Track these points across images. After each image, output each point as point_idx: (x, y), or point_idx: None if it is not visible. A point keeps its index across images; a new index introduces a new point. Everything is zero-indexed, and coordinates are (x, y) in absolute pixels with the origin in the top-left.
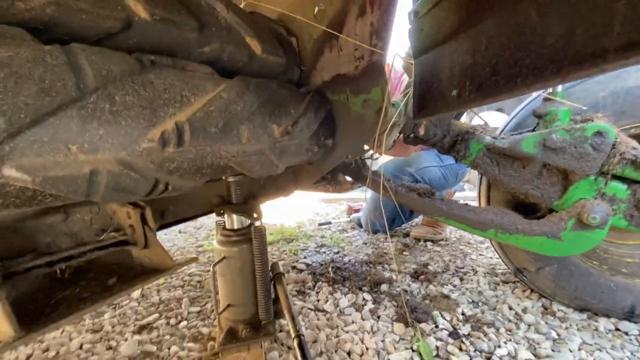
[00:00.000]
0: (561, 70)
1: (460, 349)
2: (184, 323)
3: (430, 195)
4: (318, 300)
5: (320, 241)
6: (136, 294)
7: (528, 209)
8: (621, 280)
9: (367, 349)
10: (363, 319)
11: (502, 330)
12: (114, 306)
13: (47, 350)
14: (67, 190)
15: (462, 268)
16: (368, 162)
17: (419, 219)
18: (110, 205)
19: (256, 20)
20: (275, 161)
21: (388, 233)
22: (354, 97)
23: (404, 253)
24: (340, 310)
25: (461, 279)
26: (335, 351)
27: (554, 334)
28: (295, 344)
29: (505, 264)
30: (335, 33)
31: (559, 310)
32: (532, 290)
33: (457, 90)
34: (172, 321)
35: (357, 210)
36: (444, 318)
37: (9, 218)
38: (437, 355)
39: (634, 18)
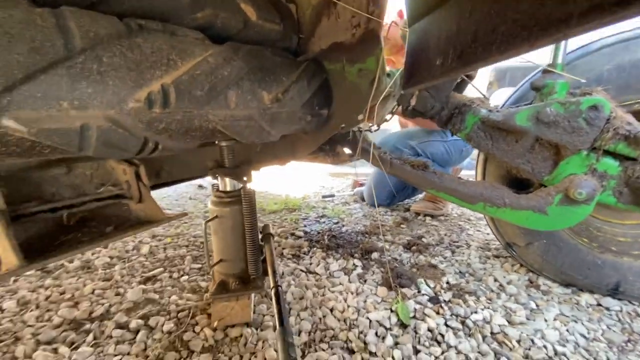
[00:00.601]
0: (530, 37)
1: (438, 313)
2: (185, 277)
3: (423, 168)
4: (310, 264)
5: (321, 212)
6: (145, 250)
7: (523, 185)
8: (609, 257)
9: (348, 306)
10: (350, 282)
11: (482, 299)
12: (124, 260)
13: (63, 293)
14: (60, 142)
15: (457, 242)
16: (368, 133)
17: (422, 195)
18: (109, 162)
19: None
20: (267, 128)
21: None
22: (349, 66)
23: (402, 226)
24: (330, 273)
25: (453, 252)
26: (319, 307)
27: (532, 305)
28: (272, 292)
29: (497, 239)
30: (334, 0)
31: (544, 284)
32: (521, 265)
33: (441, 58)
34: (175, 275)
35: (361, 185)
36: (427, 285)
37: (14, 167)
38: (414, 317)
39: None
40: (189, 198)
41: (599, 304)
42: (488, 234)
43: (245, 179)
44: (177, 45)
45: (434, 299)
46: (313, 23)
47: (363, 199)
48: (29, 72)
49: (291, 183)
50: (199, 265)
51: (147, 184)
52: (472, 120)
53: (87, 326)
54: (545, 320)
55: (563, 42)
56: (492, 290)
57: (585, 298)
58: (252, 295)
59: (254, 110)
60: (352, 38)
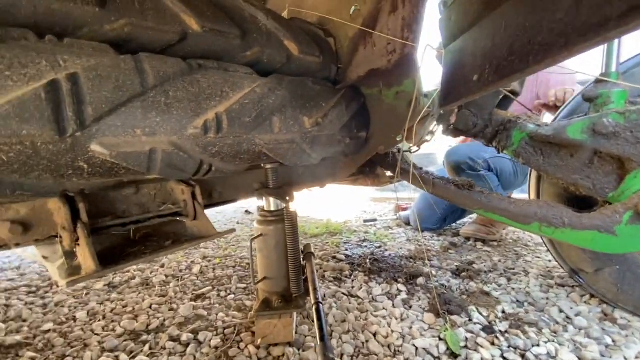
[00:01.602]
0: (568, 44)
1: (492, 344)
2: (232, 296)
3: (469, 187)
4: (352, 287)
5: (363, 236)
6: (196, 269)
7: (585, 204)
8: None
9: (392, 332)
10: (394, 307)
11: (545, 331)
12: (177, 278)
13: (126, 306)
14: (133, 164)
15: (512, 269)
16: (407, 155)
17: (473, 218)
18: (169, 184)
19: (295, 25)
20: (308, 150)
21: (422, 229)
22: (387, 89)
23: (450, 251)
24: (372, 297)
25: (509, 279)
26: (362, 331)
27: (608, 340)
28: (313, 309)
29: (560, 265)
30: (369, 30)
31: (621, 317)
32: (592, 296)
33: (478, 74)
34: (222, 293)
35: (405, 209)
36: (479, 313)
37: (96, 186)
38: (466, 347)
39: None
40: (236, 222)
41: None
42: (550, 261)
43: (287, 199)
44: (230, 79)
45: (488, 329)
46: (350, 53)
47: (407, 224)
48: (113, 106)
49: (333, 208)
50: (245, 285)
51: (201, 203)
52: (519, 136)
53: (145, 337)
54: (625, 358)
55: (615, 50)
56: (557, 322)
57: None
58: (295, 315)
59: (296, 134)
60: (389, 64)
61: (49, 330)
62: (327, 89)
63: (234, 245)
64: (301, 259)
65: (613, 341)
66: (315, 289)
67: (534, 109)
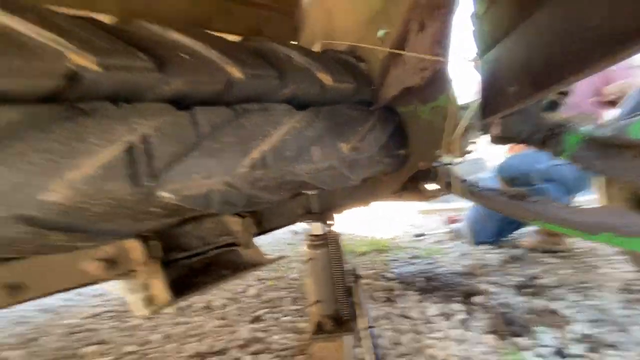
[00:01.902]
0: (607, 52)
1: None
2: (286, 318)
3: (521, 197)
4: (405, 307)
5: (413, 252)
6: (252, 292)
7: None
8: None
9: (451, 355)
10: (451, 328)
11: (630, 354)
12: (235, 300)
13: (192, 328)
14: (195, 204)
15: (585, 283)
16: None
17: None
18: (224, 216)
19: (326, 57)
20: (347, 174)
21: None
22: (422, 106)
23: (510, 265)
24: (427, 317)
25: (582, 295)
26: (418, 354)
27: None
28: (365, 333)
29: None
30: (399, 52)
31: None
32: None
33: (516, 85)
34: (277, 315)
35: (456, 221)
36: (548, 335)
37: (166, 225)
38: None
39: None
40: (286, 244)
41: None
42: (629, 271)
43: (329, 222)
44: (270, 118)
45: (560, 353)
46: (382, 74)
47: (460, 237)
48: (176, 157)
49: (379, 223)
50: (298, 307)
51: (253, 232)
52: (573, 139)
53: (211, 359)
54: None
55: None
56: None
57: None
58: (348, 338)
59: (335, 161)
60: (421, 81)
61: (130, 352)
62: (362, 112)
63: (284, 267)
64: (348, 281)
65: None
66: (364, 313)
67: (591, 106)
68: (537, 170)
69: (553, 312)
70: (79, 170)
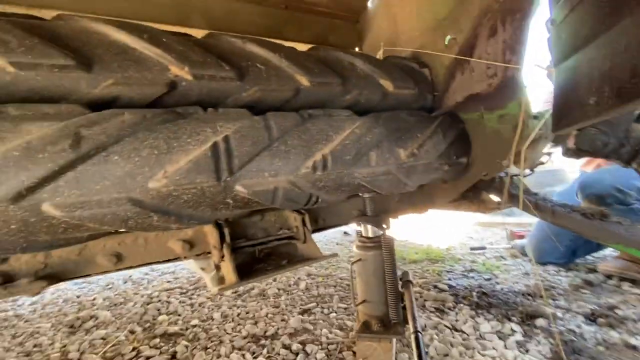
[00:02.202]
0: None
1: None
2: (334, 314)
3: (602, 217)
4: (456, 321)
5: (469, 266)
6: (302, 285)
7: None
8: None
9: None
10: (506, 348)
11: None
12: (287, 292)
13: (248, 312)
14: (262, 199)
15: None
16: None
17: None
18: (285, 212)
19: (389, 63)
20: (404, 179)
21: (545, 262)
22: (488, 113)
23: (583, 290)
24: (480, 334)
25: None
26: None
27: None
28: (412, 338)
29: None
30: (466, 58)
31: None
32: None
33: (596, 97)
34: (325, 311)
35: (521, 237)
36: None
37: (236, 215)
38: None
39: None
40: (336, 244)
41: None
42: None
43: (384, 226)
44: (333, 123)
45: None
46: (447, 81)
47: (524, 254)
48: (251, 156)
49: (434, 232)
50: (345, 305)
51: (310, 228)
52: None
53: (263, 342)
54: None
55: None
56: None
57: None
58: (394, 341)
59: (392, 166)
60: (489, 87)
61: (195, 325)
62: (422, 118)
63: (334, 265)
64: (399, 286)
65: None
66: (414, 318)
67: None
68: (637, 187)
69: (632, 347)
70: (176, 164)
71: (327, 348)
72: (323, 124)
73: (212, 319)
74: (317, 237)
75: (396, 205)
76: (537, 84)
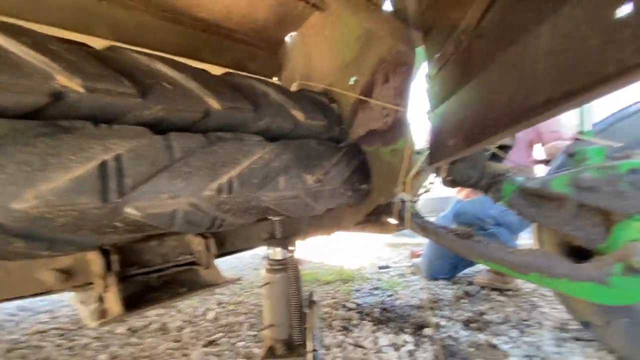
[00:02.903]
0: (510, 122)
1: None
2: (242, 343)
3: (468, 236)
4: (359, 337)
5: (376, 284)
6: (210, 315)
7: (586, 254)
8: None
9: None
10: (398, 358)
11: None
12: (192, 323)
13: (143, 350)
14: (158, 222)
15: (526, 320)
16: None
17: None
18: (187, 236)
19: (302, 95)
20: (312, 203)
21: (435, 277)
22: (384, 147)
23: (463, 301)
24: (378, 347)
25: (521, 332)
26: None
27: None
28: (308, 357)
29: (573, 317)
30: (366, 99)
31: None
32: (610, 352)
33: (453, 140)
34: (233, 340)
35: (419, 256)
36: None
37: (127, 240)
38: None
39: (552, 80)
40: (253, 268)
41: None
42: (566, 311)
43: (291, 248)
44: (242, 147)
45: None
46: (352, 116)
47: (420, 271)
48: (147, 177)
49: (348, 254)
50: (255, 333)
51: (214, 253)
52: (509, 188)
53: None
54: None
55: (586, 111)
56: None
57: None
58: None
59: (300, 190)
60: (384, 125)
61: None
62: (330, 148)
63: (247, 292)
64: (304, 307)
65: None
66: (312, 337)
67: (531, 163)
68: (490, 216)
69: (493, 347)
70: (52, 182)
71: None
72: (231, 147)
73: None
74: (231, 261)
75: (306, 228)
76: (422, 125)
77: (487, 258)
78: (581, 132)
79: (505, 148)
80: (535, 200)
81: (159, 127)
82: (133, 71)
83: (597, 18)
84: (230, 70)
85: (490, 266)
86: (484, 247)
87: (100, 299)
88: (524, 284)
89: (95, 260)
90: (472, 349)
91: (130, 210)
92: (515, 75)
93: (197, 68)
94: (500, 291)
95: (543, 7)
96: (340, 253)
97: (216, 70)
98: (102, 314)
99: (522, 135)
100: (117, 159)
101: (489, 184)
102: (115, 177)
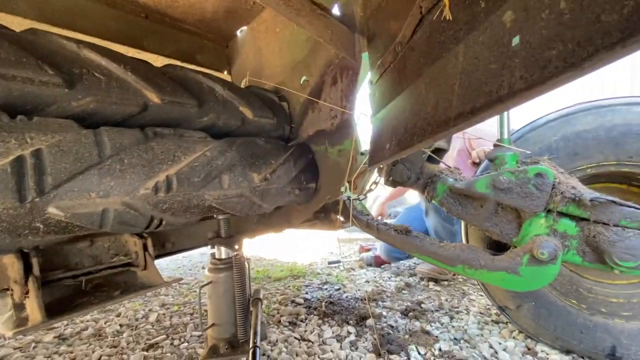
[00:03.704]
0: (433, 131)
1: None
2: (185, 344)
3: (406, 232)
4: (305, 331)
5: (325, 279)
6: (153, 318)
7: (504, 247)
8: (600, 319)
9: None
10: (341, 349)
11: None
12: (132, 327)
13: (74, 358)
14: (86, 222)
15: (457, 307)
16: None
17: None
18: (124, 236)
19: (251, 92)
20: (258, 202)
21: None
22: (331, 147)
23: (403, 291)
24: (323, 340)
25: (451, 318)
26: None
27: None
28: (250, 352)
29: (492, 303)
30: (315, 99)
31: (542, 351)
32: (520, 331)
33: (389, 144)
34: (176, 342)
35: (368, 250)
36: (418, 352)
37: (51, 242)
38: None
39: (464, 96)
40: (202, 267)
41: None
42: None
43: (237, 247)
44: (183, 144)
45: None
46: (301, 115)
47: (369, 265)
48: (71, 175)
49: (300, 250)
50: (199, 333)
51: (152, 254)
52: (442, 188)
53: None
54: None
55: (506, 120)
56: (485, 358)
57: None
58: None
59: (245, 189)
60: (332, 126)
61: None
62: (277, 146)
63: (194, 292)
64: (248, 305)
65: None
66: (255, 334)
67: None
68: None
69: (426, 333)
70: None
71: None
72: (171, 143)
73: None
74: (179, 260)
75: (254, 226)
76: (366, 128)
77: (422, 252)
78: (500, 140)
79: (440, 151)
80: (462, 200)
81: (89, 121)
82: (58, 58)
83: (498, 44)
84: (173, 62)
85: (424, 259)
86: (419, 242)
87: (19, 307)
88: (457, 275)
89: (12, 264)
90: (407, 336)
91: (52, 210)
92: (438, 89)
93: (134, 58)
94: (437, 281)
95: (459, 29)
96: (293, 250)
97: (160, 61)
98: (21, 322)
99: (454, 141)
100: (36, 154)
101: (425, 184)
102: (34, 175)
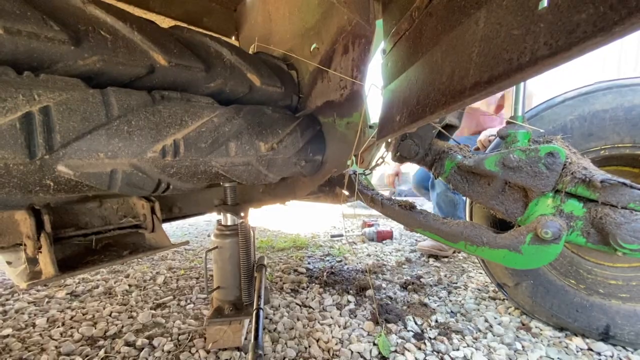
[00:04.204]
0: (447, 102)
1: (419, 348)
2: (191, 305)
3: (410, 208)
4: (306, 298)
5: (327, 251)
6: (160, 280)
7: (507, 225)
8: (597, 300)
9: (333, 337)
10: (340, 316)
11: (468, 338)
12: (141, 287)
13: (86, 313)
14: (95, 182)
15: (455, 283)
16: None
17: None
18: (132, 199)
19: (259, 59)
20: (264, 171)
21: (346, 235)
22: (339, 119)
23: (404, 266)
24: (323, 307)
25: (449, 293)
26: (307, 338)
27: (518, 346)
28: (254, 313)
29: (490, 280)
30: (325, 69)
31: (536, 327)
32: (516, 308)
33: (399, 116)
34: (182, 303)
35: (370, 225)
36: (415, 322)
37: (61, 200)
38: (395, 351)
39: (482, 64)
40: (207, 235)
41: (590, 349)
42: None
43: (242, 214)
44: (190, 109)
45: (419, 335)
46: (310, 85)
47: (371, 240)
48: (79, 134)
49: (304, 223)
50: (205, 295)
51: (160, 217)
52: (449, 165)
53: (101, 342)
54: None
55: (521, 97)
56: (480, 330)
57: (577, 342)
58: (245, 321)
59: (252, 157)
60: (341, 97)
61: (7, 336)
62: (285, 116)
63: (200, 257)
64: (254, 270)
65: (522, 347)
66: (259, 297)
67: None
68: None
69: (424, 305)
70: None
71: (177, 339)
72: (178, 108)
73: (34, 326)
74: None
75: (260, 195)
76: (376, 100)
77: (425, 227)
78: (514, 117)
79: (451, 128)
80: (469, 177)
81: (95, 81)
82: (63, 14)
83: (523, 8)
84: (180, 24)
85: (427, 235)
86: (423, 218)
87: (32, 261)
88: (458, 252)
89: (24, 220)
90: (405, 307)
91: (62, 169)
92: (455, 57)
93: (141, 18)
94: (437, 258)
95: None
96: (297, 222)
97: (167, 23)
98: (34, 275)
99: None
100: (44, 111)
101: (433, 160)
102: (43, 132)
